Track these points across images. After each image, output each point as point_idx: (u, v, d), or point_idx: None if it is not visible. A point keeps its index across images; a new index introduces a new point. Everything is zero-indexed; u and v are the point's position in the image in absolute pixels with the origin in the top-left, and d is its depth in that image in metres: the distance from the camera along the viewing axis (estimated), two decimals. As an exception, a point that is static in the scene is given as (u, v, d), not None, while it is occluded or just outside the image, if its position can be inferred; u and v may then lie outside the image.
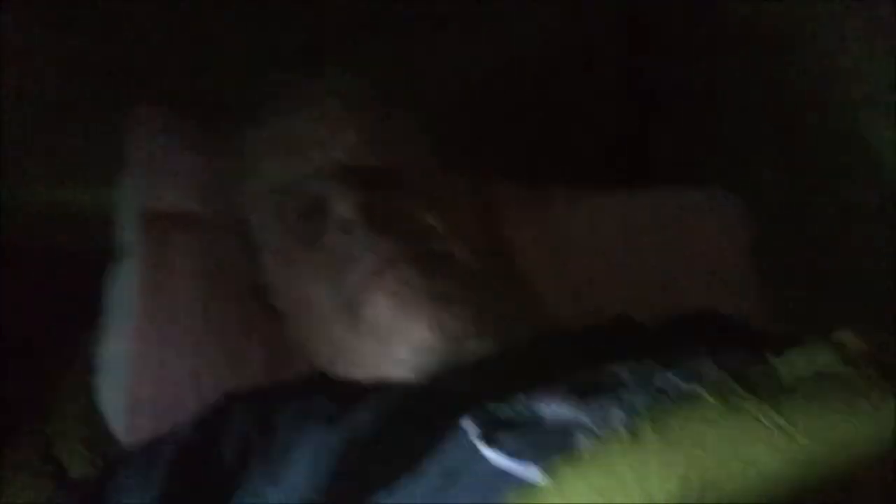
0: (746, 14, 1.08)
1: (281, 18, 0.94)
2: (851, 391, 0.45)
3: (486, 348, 0.65)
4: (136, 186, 0.84)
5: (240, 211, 0.76)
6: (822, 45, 1.00)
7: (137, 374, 0.74)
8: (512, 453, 0.50)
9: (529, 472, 0.49)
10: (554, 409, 0.54)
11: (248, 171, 0.76)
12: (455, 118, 0.95)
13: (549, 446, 0.50)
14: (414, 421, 0.57)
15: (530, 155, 1.04)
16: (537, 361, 0.62)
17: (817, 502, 0.42)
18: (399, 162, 0.73)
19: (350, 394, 0.63)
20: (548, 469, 0.47)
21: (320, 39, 0.95)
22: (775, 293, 0.96)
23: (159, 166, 0.84)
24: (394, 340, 0.65)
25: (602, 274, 0.90)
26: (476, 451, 0.52)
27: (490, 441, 0.52)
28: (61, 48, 0.89)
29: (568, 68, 1.09)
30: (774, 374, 0.48)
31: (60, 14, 0.89)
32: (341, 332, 0.68)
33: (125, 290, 0.79)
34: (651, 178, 1.13)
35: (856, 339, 0.53)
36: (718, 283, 0.92)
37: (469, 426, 0.53)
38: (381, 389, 0.60)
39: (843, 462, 0.42)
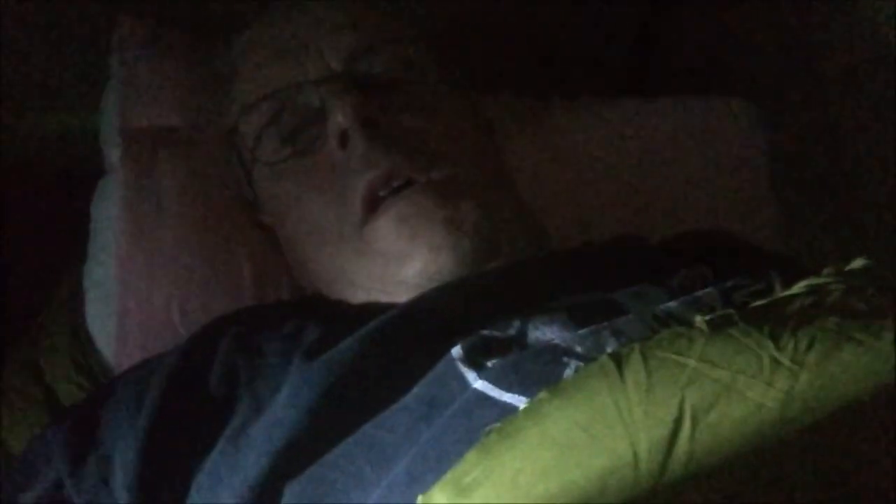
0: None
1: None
2: (861, 325, 0.42)
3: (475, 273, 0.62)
4: (118, 102, 0.80)
5: (229, 121, 0.72)
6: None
7: (124, 297, 0.72)
8: (498, 380, 0.49)
9: (513, 399, 0.47)
10: (549, 334, 0.52)
11: (239, 77, 0.72)
12: (450, 28, 0.90)
13: (538, 374, 0.48)
14: (404, 348, 0.55)
15: (531, 65, 1.00)
16: (538, 284, 0.60)
17: (818, 440, 0.39)
18: (399, 71, 0.69)
19: (340, 320, 0.61)
20: (531, 397, 0.45)
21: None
22: (793, 211, 0.93)
23: (142, 81, 0.81)
24: (401, 263, 0.62)
25: (607, 189, 0.87)
26: (462, 377, 0.50)
27: (477, 367, 0.50)
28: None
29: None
30: (782, 306, 0.45)
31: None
32: (344, 252, 0.65)
33: (109, 210, 0.77)
34: (663, 89, 1.08)
35: (870, 268, 0.50)
36: (734, 198, 0.89)
37: (458, 352, 0.51)
38: (373, 314, 0.58)
39: (848, 399, 0.40)
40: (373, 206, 0.63)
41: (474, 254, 0.62)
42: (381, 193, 0.63)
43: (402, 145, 0.64)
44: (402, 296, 0.62)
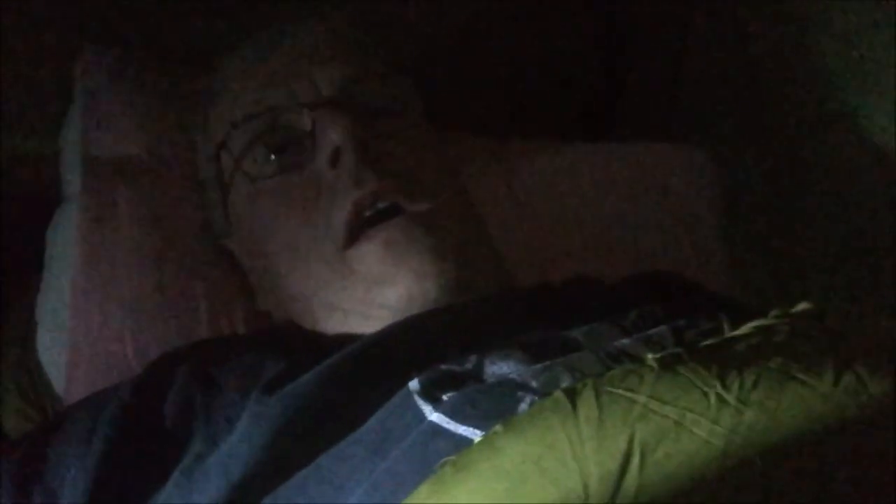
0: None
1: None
2: (804, 366, 0.43)
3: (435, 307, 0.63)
4: (81, 131, 0.80)
5: (216, 137, 0.72)
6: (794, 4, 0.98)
7: (76, 326, 0.71)
8: (453, 413, 0.49)
9: (467, 432, 0.47)
10: (504, 369, 0.53)
11: (228, 96, 0.72)
12: (422, 69, 0.92)
13: (493, 408, 0.48)
14: (363, 382, 0.55)
15: (494, 108, 1.02)
16: (495, 321, 0.61)
17: (761, 478, 0.40)
18: (386, 101, 0.70)
19: (302, 353, 0.61)
20: (487, 430, 0.46)
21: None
22: (741, 255, 0.96)
23: (105, 110, 0.81)
24: (385, 287, 0.63)
25: (563, 229, 0.88)
26: (418, 409, 0.50)
27: (433, 400, 0.51)
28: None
29: (538, 22, 1.06)
30: (729, 346, 0.47)
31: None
32: (324, 274, 0.65)
33: (65, 239, 0.76)
34: (618, 135, 1.11)
35: (814, 312, 0.51)
36: (685, 241, 0.91)
37: (415, 385, 0.52)
38: (334, 348, 0.58)
39: (790, 436, 0.41)
40: (357, 226, 0.64)
41: (457, 282, 0.63)
42: (367, 213, 0.64)
43: (390, 171, 0.65)
44: (380, 321, 0.62)
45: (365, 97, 0.69)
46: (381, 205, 0.64)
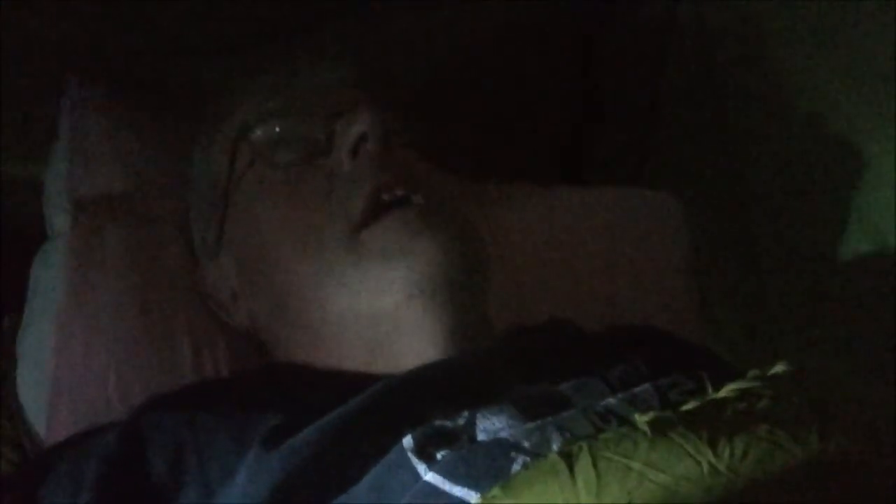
0: (693, 17, 1.08)
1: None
2: (790, 434, 0.45)
3: (427, 364, 0.63)
4: (66, 167, 0.80)
5: (235, 124, 0.74)
6: (769, 49, 1.01)
7: (59, 365, 0.71)
8: (448, 473, 0.50)
9: (462, 493, 0.48)
10: (497, 424, 0.54)
11: (249, 90, 0.75)
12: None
13: (485, 467, 0.49)
14: (357, 440, 0.55)
15: (464, 152, 1.03)
16: (485, 374, 0.62)
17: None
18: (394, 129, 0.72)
19: (297, 403, 0.61)
20: (482, 490, 0.47)
21: (254, 26, 0.92)
22: (712, 303, 0.98)
23: (91, 145, 0.81)
24: (401, 260, 0.65)
25: (536, 273, 0.90)
26: (412, 468, 0.51)
27: (427, 458, 0.51)
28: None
29: (511, 66, 1.08)
30: (715, 411, 0.48)
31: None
32: (336, 252, 0.66)
33: (50, 277, 0.76)
34: (589, 180, 1.13)
35: (791, 373, 0.53)
36: (659, 286, 0.92)
37: (408, 443, 0.52)
38: (328, 401, 0.59)
39: (772, 495, 0.43)
40: (375, 209, 0.66)
41: (472, 264, 0.68)
42: (385, 197, 0.66)
43: (406, 166, 0.69)
44: (391, 297, 0.64)
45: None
46: (399, 191, 0.67)
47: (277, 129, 0.72)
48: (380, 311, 0.65)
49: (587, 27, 1.12)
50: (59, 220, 0.79)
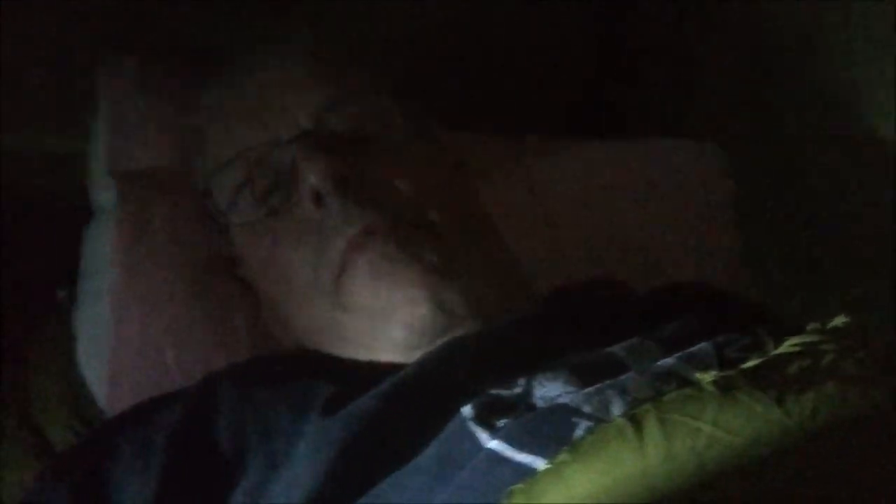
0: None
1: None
2: (858, 391, 0.45)
3: (480, 325, 0.63)
4: (107, 145, 0.81)
5: (202, 182, 0.72)
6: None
7: (117, 338, 0.72)
8: (511, 440, 0.50)
9: (528, 459, 0.48)
10: (553, 391, 0.54)
11: (211, 138, 0.72)
12: (416, 71, 0.91)
13: (548, 433, 0.49)
14: (415, 408, 0.56)
15: (498, 108, 1.02)
16: (537, 340, 0.61)
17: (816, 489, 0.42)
18: (366, 124, 0.69)
19: (350, 376, 0.61)
20: (548, 456, 0.47)
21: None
22: (755, 250, 0.97)
23: (130, 122, 0.81)
24: (385, 320, 0.63)
25: (579, 227, 0.89)
26: (474, 437, 0.51)
27: (489, 427, 0.51)
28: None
29: (543, 21, 1.06)
30: (779, 367, 0.48)
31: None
32: (328, 308, 0.65)
33: (102, 253, 0.76)
34: (626, 131, 1.11)
35: (851, 327, 0.53)
36: (701, 238, 0.92)
37: (468, 412, 0.52)
38: (380, 374, 0.59)
39: (842, 452, 0.43)
40: (348, 259, 0.63)
41: (452, 301, 0.62)
42: (354, 250, 0.63)
43: (377, 201, 0.64)
44: (387, 354, 0.63)
45: (344, 122, 0.68)
46: (370, 239, 0.63)
47: (236, 182, 0.67)
48: (385, 355, 0.64)
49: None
50: (103, 195, 0.79)
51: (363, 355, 0.65)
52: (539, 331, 0.63)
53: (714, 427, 0.43)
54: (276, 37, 0.75)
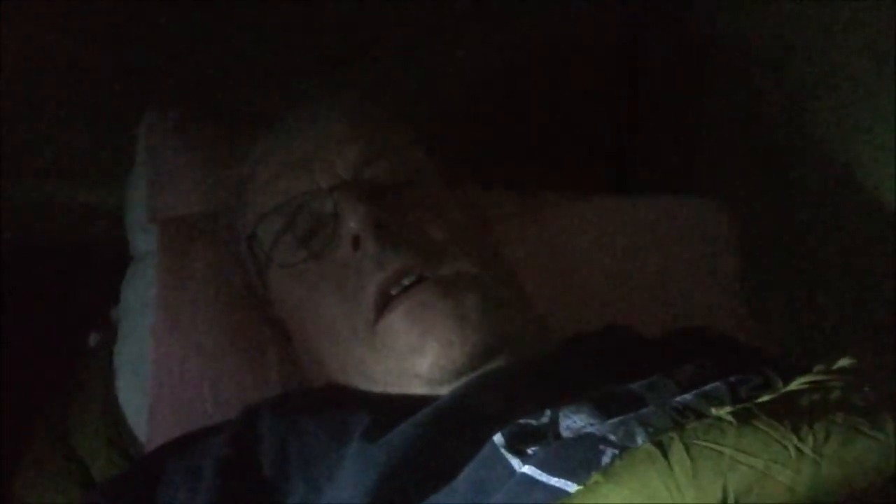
0: (733, 28, 1.11)
1: (295, 25, 0.96)
2: (866, 421, 0.48)
3: (508, 361, 0.67)
4: (146, 190, 0.85)
5: (245, 228, 0.76)
6: (808, 57, 1.03)
7: (158, 375, 0.76)
8: (543, 465, 0.53)
9: (561, 483, 0.51)
10: (578, 423, 0.57)
11: (254, 186, 0.76)
12: (446, 128, 0.96)
13: (578, 459, 0.52)
14: (450, 436, 0.59)
15: (516, 163, 1.06)
16: (560, 376, 0.65)
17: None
18: (401, 176, 0.74)
19: (381, 408, 0.65)
20: (578, 480, 0.50)
21: (328, 49, 0.96)
22: (761, 305, 1.00)
23: (169, 169, 0.86)
24: (415, 358, 0.66)
25: (592, 279, 0.92)
26: (507, 463, 0.54)
27: (519, 454, 0.55)
28: (71, 51, 0.90)
29: (556, 79, 1.11)
30: (792, 401, 0.51)
31: (69, 17, 0.90)
32: (359, 349, 0.69)
33: (142, 293, 0.81)
34: (635, 188, 1.16)
35: (856, 366, 0.56)
36: (707, 292, 0.94)
37: (499, 439, 0.56)
38: (412, 405, 0.62)
39: (860, 485, 0.46)
40: (384, 304, 0.67)
41: (483, 346, 0.66)
42: (393, 292, 0.67)
43: (412, 245, 0.68)
44: (416, 388, 0.66)
45: (382, 174, 0.72)
46: (405, 281, 0.67)
47: (278, 227, 0.72)
48: (413, 389, 0.67)
49: (630, 39, 1.15)
50: (141, 241, 0.84)
51: (392, 390, 0.68)
52: (562, 368, 0.67)
53: (735, 451, 0.46)
54: (320, 94, 0.80)
